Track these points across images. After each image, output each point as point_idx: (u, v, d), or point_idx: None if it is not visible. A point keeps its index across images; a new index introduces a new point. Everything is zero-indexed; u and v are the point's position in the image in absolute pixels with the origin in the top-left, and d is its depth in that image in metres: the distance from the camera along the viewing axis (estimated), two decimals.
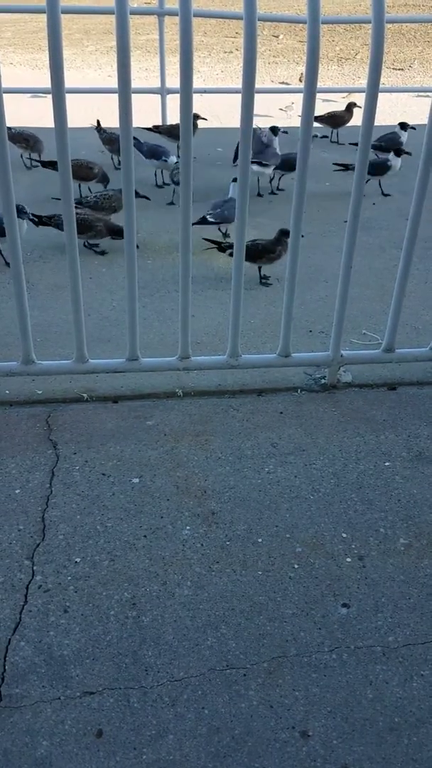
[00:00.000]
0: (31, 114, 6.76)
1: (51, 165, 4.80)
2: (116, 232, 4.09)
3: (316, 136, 5.24)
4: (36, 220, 4.07)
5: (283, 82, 9.32)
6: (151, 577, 2.18)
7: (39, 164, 5.13)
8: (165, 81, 6.79)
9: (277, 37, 11.93)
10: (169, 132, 5.80)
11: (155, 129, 5.94)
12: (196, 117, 5.70)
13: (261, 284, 4.03)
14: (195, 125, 5.73)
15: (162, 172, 5.46)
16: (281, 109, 7.43)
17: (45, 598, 2.11)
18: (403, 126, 5.64)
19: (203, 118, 5.82)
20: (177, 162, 5.09)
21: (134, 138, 5.42)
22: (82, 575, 2.18)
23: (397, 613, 2.10)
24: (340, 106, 6.71)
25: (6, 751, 1.73)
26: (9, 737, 1.76)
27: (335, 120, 6.45)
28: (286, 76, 9.67)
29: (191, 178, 2.57)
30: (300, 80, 8.68)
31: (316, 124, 6.20)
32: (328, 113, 6.47)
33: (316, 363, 3.17)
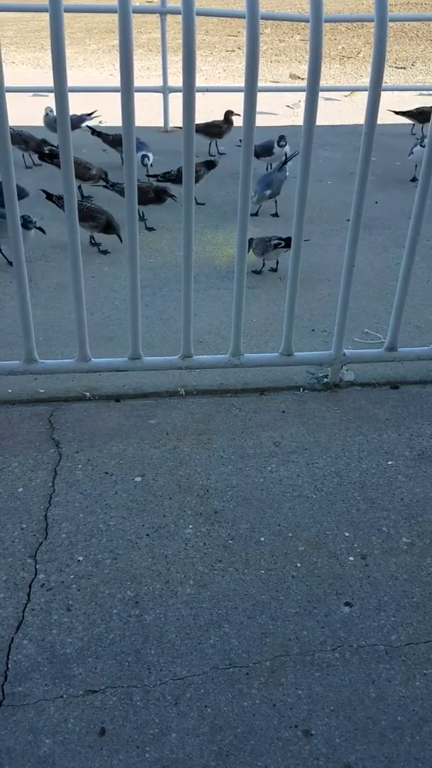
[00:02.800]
0: (34, 113, 6.75)
1: (50, 158, 4.81)
2: (112, 228, 4.13)
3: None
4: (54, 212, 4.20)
5: (294, 75, 9.27)
6: (153, 576, 2.19)
7: (41, 160, 5.12)
8: (167, 79, 6.80)
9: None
10: (205, 130, 5.87)
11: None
12: (231, 113, 5.71)
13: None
14: (230, 121, 5.75)
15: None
16: (288, 106, 7.42)
17: (48, 596, 2.11)
18: None
19: (237, 114, 5.81)
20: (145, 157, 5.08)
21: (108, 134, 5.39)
22: (84, 574, 2.19)
23: (399, 612, 2.10)
24: (347, 105, 6.70)
25: (9, 749, 1.74)
26: (12, 736, 1.77)
27: (423, 116, 6.36)
28: (288, 75, 9.66)
29: (193, 178, 2.57)
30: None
31: (403, 119, 6.25)
32: (417, 109, 6.43)
33: (319, 362, 3.17)
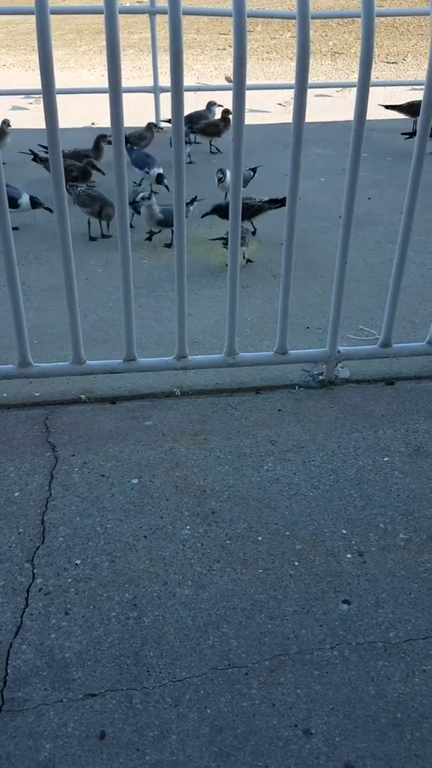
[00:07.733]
0: (27, 115, 6.75)
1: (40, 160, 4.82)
2: (104, 215, 4.37)
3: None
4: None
5: (228, 78, 9.26)
6: (151, 578, 2.18)
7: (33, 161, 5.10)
8: (158, 79, 6.79)
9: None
10: (203, 130, 5.93)
11: (189, 130, 5.97)
12: (228, 112, 5.72)
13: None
14: (228, 120, 5.76)
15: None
16: (280, 104, 7.41)
17: (46, 600, 2.11)
18: None
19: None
20: (158, 176, 5.03)
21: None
22: (82, 577, 2.18)
23: (398, 608, 2.09)
24: (339, 101, 6.68)
25: (9, 754, 1.73)
26: (12, 741, 1.76)
27: (413, 109, 6.10)
28: (280, 72, 9.66)
29: (184, 177, 2.57)
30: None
31: (394, 113, 6.14)
32: (408, 102, 6.26)
33: (314, 360, 3.17)
